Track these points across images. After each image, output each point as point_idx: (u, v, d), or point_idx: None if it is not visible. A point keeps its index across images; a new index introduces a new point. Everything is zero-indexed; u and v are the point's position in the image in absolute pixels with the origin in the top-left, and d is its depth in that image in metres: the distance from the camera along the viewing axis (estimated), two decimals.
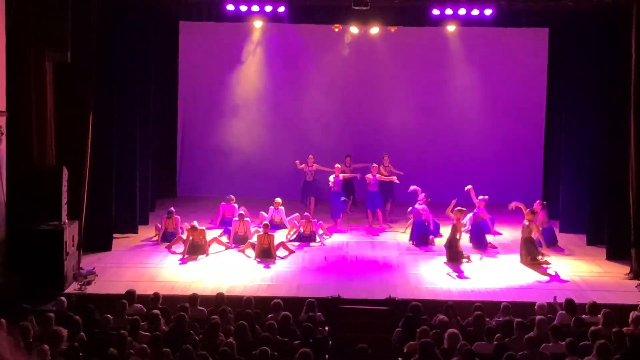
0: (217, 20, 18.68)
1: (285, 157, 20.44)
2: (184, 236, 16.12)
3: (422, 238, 16.84)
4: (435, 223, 17.34)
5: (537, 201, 17.05)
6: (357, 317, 12.97)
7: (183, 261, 15.41)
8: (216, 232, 17.08)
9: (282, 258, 15.71)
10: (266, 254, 15.60)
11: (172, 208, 17.02)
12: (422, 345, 9.61)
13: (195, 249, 15.70)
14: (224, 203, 17.87)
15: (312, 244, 16.81)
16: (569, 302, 11.86)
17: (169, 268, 15.00)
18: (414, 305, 11.62)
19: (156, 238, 16.66)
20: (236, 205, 17.75)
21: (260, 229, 16.06)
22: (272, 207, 17.78)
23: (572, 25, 17.84)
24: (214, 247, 16.08)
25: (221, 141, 21.07)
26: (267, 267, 15.18)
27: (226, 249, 16.19)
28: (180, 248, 15.96)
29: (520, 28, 18.92)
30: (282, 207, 17.79)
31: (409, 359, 9.84)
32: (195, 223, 15.96)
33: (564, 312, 11.73)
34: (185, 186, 21.21)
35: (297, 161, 18.69)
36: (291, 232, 17.17)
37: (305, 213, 17.60)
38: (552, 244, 16.58)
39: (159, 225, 16.76)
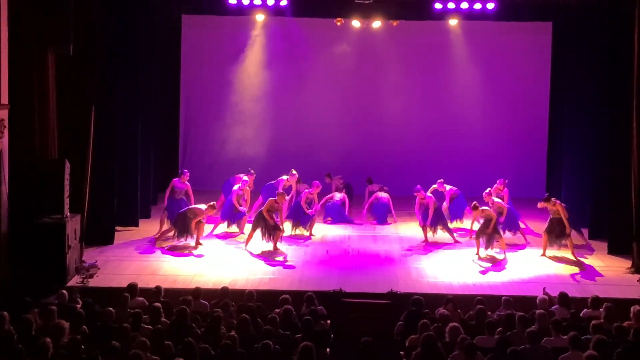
0: (219, 14, 18.69)
1: (287, 150, 20.43)
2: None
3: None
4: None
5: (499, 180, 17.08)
6: (359, 311, 12.96)
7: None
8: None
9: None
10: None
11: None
12: (424, 339, 9.61)
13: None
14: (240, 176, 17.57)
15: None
16: (563, 296, 11.84)
17: (170, 261, 15.02)
18: (416, 299, 11.63)
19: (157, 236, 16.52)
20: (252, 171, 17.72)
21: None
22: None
23: (576, 20, 17.82)
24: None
25: (223, 134, 21.07)
26: (268, 261, 15.20)
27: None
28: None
29: (523, 22, 18.90)
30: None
31: (410, 352, 9.84)
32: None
33: (557, 305, 11.71)
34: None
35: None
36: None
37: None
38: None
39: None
